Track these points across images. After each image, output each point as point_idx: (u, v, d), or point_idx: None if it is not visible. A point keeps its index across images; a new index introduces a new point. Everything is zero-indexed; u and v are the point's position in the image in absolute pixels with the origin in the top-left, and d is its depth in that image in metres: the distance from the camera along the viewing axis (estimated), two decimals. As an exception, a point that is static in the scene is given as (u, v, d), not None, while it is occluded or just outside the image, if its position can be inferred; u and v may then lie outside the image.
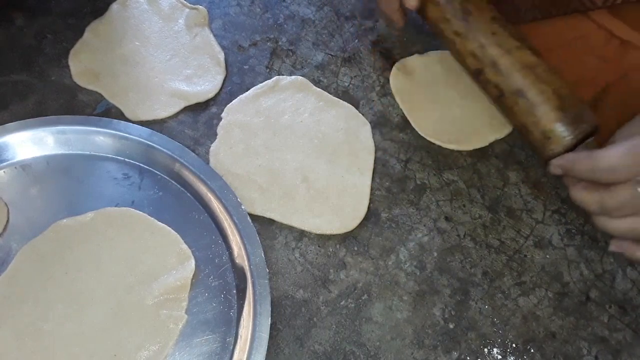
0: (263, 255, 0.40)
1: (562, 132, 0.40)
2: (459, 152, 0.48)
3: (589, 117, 0.41)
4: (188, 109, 0.48)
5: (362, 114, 0.49)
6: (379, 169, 0.47)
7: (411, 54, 0.52)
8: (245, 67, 0.51)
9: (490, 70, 0.43)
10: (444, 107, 0.49)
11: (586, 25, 0.50)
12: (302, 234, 0.43)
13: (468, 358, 0.40)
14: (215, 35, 0.51)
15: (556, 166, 0.41)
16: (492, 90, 0.44)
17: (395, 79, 0.50)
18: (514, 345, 0.41)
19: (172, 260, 0.40)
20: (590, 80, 0.52)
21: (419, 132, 0.48)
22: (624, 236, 0.39)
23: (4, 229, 0.40)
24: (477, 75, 0.45)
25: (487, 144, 0.48)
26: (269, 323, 0.37)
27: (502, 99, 0.44)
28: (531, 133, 0.42)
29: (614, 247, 0.41)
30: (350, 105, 0.49)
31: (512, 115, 0.44)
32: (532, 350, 0.40)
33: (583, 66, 0.53)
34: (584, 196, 0.40)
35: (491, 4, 0.45)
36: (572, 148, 0.40)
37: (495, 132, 0.48)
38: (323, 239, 0.43)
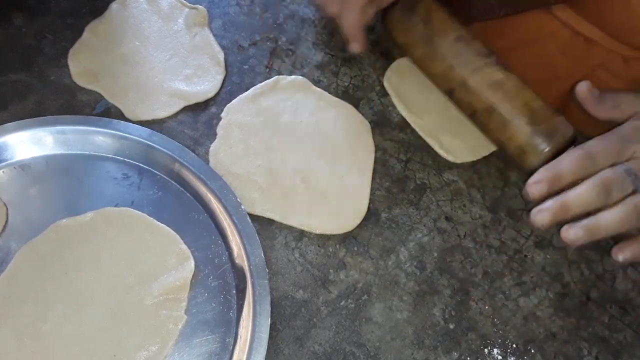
0: (263, 256, 0.39)
1: (537, 145, 0.40)
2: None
3: (563, 128, 0.41)
4: (188, 108, 0.48)
5: (362, 114, 0.49)
6: (379, 169, 0.46)
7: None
8: (245, 67, 0.50)
9: (461, 89, 0.44)
10: (441, 110, 0.49)
11: (552, 23, 0.51)
12: (301, 234, 0.43)
13: (468, 358, 0.40)
14: (215, 35, 0.51)
15: (538, 183, 0.38)
16: (465, 108, 0.45)
17: (390, 80, 0.50)
18: (514, 345, 0.41)
19: (171, 260, 0.40)
20: (559, 79, 0.52)
21: (419, 133, 0.48)
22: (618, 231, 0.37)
23: (3, 229, 0.40)
24: (450, 94, 0.46)
25: (481, 157, 0.47)
26: (269, 323, 0.37)
27: (475, 117, 0.44)
28: (508, 148, 0.42)
29: (618, 254, 0.38)
30: (350, 105, 0.49)
31: (488, 132, 0.44)
32: (532, 351, 0.40)
33: (551, 64, 0.53)
34: (573, 195, 0.37)
35: (462, 2, 0.45)
36: (550, 159, 0.39)
37: (491, 145, 0.47)
38: (323, 239, 0.43)
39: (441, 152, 0.47)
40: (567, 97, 0.53)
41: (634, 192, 0.36)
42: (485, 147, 0.48)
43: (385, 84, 0.50)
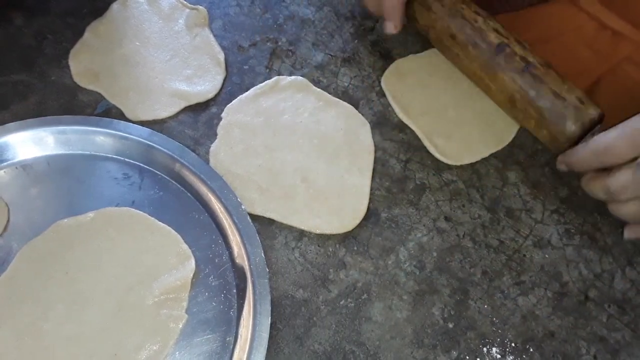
0: (263, 255, 0.40)
1: (566, 126, 0.41)
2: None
3: (591, 111, 0.41)
4: (188, 109, 0.48)
5: (362, 114, 0.49)
6: (379, 169, 0.47)
7: (411, 53, 0.52)
8: (245, 67, 0.51)
9: (515, 44, 0.43)
10: (439, 112, 0.49)
11: (578, 16, 0.50)
12: (301, 234, 0.43)
13: (467, 357, 0.40)
14: (215, 36, 0.51)
15: (561, 162, 0.42)
16: (517, 64, 0.43)
17: (388, 82, 0.50)
18: (513, 344, 0.41)
19: (172, 260, 0.40)
20: (583, 73, 0.52)
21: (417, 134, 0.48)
22: (635, 220, 0.40)
23: (5, 228, 0.40)
24: (501, 49, 0.44)
25: (478, 159, 0.47)
26: (269, 322, 0.37)
27: (525, 74, 0.43)
28: (538, 132, 0.43)
29: (627, 233, 0.41)
30: (350, 105, 0.49)
31: (524, 119, 0.44)
32: (531, 350, 0.41)
33: (576, 58, 0.53)
34: (590, 185, 0.40)
35: None
36: (579, 138, 0.40)
37: (488, 148, 0.48)
38: (323, 239, 0.43)
39: (437, 154, 0.47)
40: (591, 90, 0.53)
41: None
42: (482, 150, 0.48)
43: (383, 85, 0.50)
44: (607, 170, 0.39)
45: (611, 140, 0.38)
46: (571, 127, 0.41)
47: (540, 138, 0.45)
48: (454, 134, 0.48)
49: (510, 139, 0.48)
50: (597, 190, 0.40)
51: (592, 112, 0.41)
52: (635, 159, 0.37)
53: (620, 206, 0.40)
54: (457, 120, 0.48)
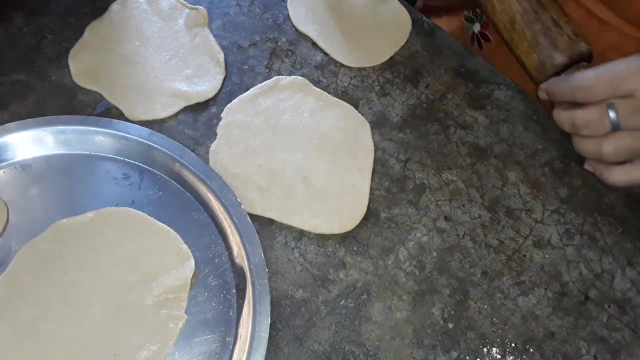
0: (262, 255, 0.40)
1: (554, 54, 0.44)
2: (458, 152, 0.48)
3: (582, 44, 0.44)
4: (188, 109, 0.48)
5: (362, 114, 0.49)
6: (379, 169, 0.47)
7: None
8: (244, 67, 0.51)
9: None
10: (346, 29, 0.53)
11: (568, 3, 0.51)
12: (301, 234, 0.43)
13: (467, 358, 0.40)
14: (215, 36, 0.51)
15: (542, 90, 0.45)
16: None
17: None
18: (513, 344, 0.41)
19: (171, 260, 0.40)
20: None
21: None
22: (592, 157, 0.43)
23: (4, 228, 0.40)
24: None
25: (389, 57, 0.52)
26: (269, 323, 0.37)
27: (514, 24, 0.45)
28: (530, 55, 0.45)
29: (587, 165, 0.45)
30: (350, 105, 0.49)
31: (519, 40, 0.46)
32: (531, 350, 0.41)
33: None
34: (559, 115, 0.44)
35: None
36: (565, 68, 0.43)
37: (392, 47, 0.52)
38: (322, 239, 0.43)
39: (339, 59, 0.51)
40: None
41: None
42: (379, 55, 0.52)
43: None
44: (579, 105, 0.42)
45: (589, 79, 0.40)
46: (561, 55, 0.43)
47: (527, 64, 0.46)
48: (359, 43, 0.52)
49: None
50: (564, 120, 0.43)
51: (583, 46, 0.44)
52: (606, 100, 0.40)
53: (581, 141, 0.43)
54: (354, 33, 0.52)
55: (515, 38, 0.46)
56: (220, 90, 0.49)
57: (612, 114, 0.39)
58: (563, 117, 0.43)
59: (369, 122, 0.48)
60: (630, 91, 0.38)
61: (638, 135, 0.39)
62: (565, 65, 0.44)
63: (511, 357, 0.40)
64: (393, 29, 0.53)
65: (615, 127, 0.40)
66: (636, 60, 0.39)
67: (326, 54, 0.52)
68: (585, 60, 0.44)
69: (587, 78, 0.40)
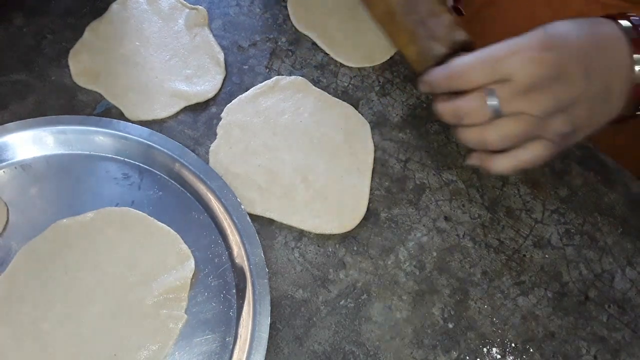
0: (262, 255, 0.40)
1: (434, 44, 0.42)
2: (458, 152, 0.48)
3: (460, 33, 0.42)
4: (188, 109, 0.48)
5: (362, 114, 0.49)
6: (379, 169, 0.47)
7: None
8: (244, 67, 0.51)
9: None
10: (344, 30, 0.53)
11: None
12: (301, 234, 0.43)
13: (467, 358, 0.40)
14: (215, 36, 0.51)
15: (422, 82, 0.42)
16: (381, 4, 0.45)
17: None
18: (513, 344, 0.41)
19: (171, 260, 0.40)
20: (536, 26, 0.53)
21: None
22: (476, 147, 0.40)
23: (4, 228, 0.40)
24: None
25: (389, 57, 0.52)
26: (269, 323, 0.37)
27: (393, 16, 0.45)
28: (410, 49, 0.44)
29: (469, 160, 0.42)
30: (350, 105, 0.49)
31: (398, 33, 0.45)
32: (531, 350, 0.41)
33: (530, 11, 0.53)
34: (441, 106, 0.41)
35: None
36: (446, 58, 0.41)
37: (392, 47, 0.52)
38: (322, 239, 0.43)
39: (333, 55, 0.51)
40: None
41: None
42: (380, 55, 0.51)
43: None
44: (459, 94, 0.40)
45: (466, 65, 0.38)
46: (440, 46, 0.42)
47: (408, 57, 0.45)
48: (360, 43, 0.52)
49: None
50: (445, 112, 0.41)
51: (461, 34, 0.42)
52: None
53: (463, 131, 0.40)
54: (354, 34, 0.52)
55: (395, 32, 0.45)
56: (220, 90, 0.49)
57: (492, 101, 0.37)
58: (444, 108, 0.41)
59: (369, 122, 0.48)
60: (507, 75, 0.36)
61: (521, 119, 0.37)
62: (445, 55, 0.42)
63: (511, 357, 0.40)
64: None
65: (497, 114, 0.38)
66: (511, 42, 0.37)
67: (326, 54, 0.52)
68: (466, 50, 0.42)
69: (462, 64, 0.38)
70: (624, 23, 0.39)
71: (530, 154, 0.38)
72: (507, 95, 0.37)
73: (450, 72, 0.39)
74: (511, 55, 0.37)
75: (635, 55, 0.38)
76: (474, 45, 0.42)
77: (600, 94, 0.38)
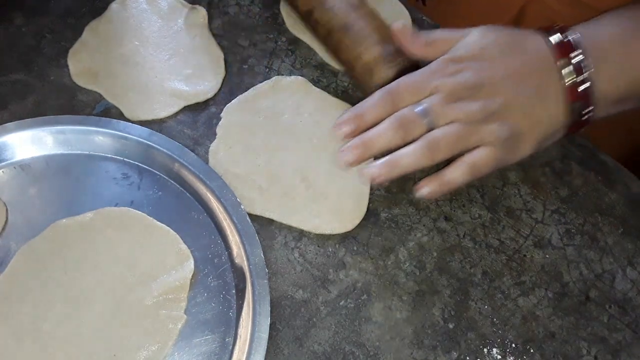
0: (262, 255, 0.40)
1: (383, 63, 0.42)
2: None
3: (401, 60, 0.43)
4: (187, 108, 0.48)
5: (362, 114, 0.49)
6: (379, 169, 0.46)
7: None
8: (244, 66, 0.51)
9: (320, 9, 0.46)
10: None
11: None
12: (301, 234, 0.43)
13: (467, 358, 0.40)
14: (214, 35, 0.51)
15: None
16: (321, 29, 0.46)
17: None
18: (513, 345, 0.41)
19: (171, 260, 0.40)
20: (505, 6, 0.53)
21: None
22: (424, 159, 0.39)
23: (3, 228, 0.40)
24: (308, 16, 0.47)
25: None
26: (268, 323, 0.37)
27: (331, 36, 0.45)
28: (355, 67, 0.44)
29: (419, 190, 0.39)
30: (350, 105, 0.49)
31: (340, 52, 0.45)
32: (531, 350, 0.40)
33: None
34: (383, 129, 0.39)
35: None
36: (392, 79, 0.41)
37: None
38: (322, 239, 0.43)
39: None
40: (516, 20, 0.55)
41: (429, 130, 0.38)
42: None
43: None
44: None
45: (395, 87, 0.39)
46: (389, 69, 0.42)
47: (357, 70, 0.44)
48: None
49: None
50: (389, 131, 0.39)
51: (407, 60, 0.42)
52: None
53: (410, 152, 0.38)
54: None
55: (343, 46, 0.45)
56: (219, 90, 0.49)
57: (423, 112, 0.38)
58: (386, 130, 0.38)
59: (369, 122, 0.48)
60: (434, 89, 0.38)
61: (454, 125, 0.38)
62: (392, 78, 0.41)
63: (511, 358, 0.40)
64: None
65: (431, 124, 0.38)
66: (434, 63, 0.39)
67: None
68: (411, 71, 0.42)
69: (393, 86, 0.39)
70: (550, 35, 0.40)
71: (477, 155, 0.38)
72: (436, 106, 0.38)
73: (385, 92, 0.39)
74: (436, 71, 0.38)
75: (559, 61, 0.39)
76: (419, 65, 0.42)
77: (532, 98, 0.39)
